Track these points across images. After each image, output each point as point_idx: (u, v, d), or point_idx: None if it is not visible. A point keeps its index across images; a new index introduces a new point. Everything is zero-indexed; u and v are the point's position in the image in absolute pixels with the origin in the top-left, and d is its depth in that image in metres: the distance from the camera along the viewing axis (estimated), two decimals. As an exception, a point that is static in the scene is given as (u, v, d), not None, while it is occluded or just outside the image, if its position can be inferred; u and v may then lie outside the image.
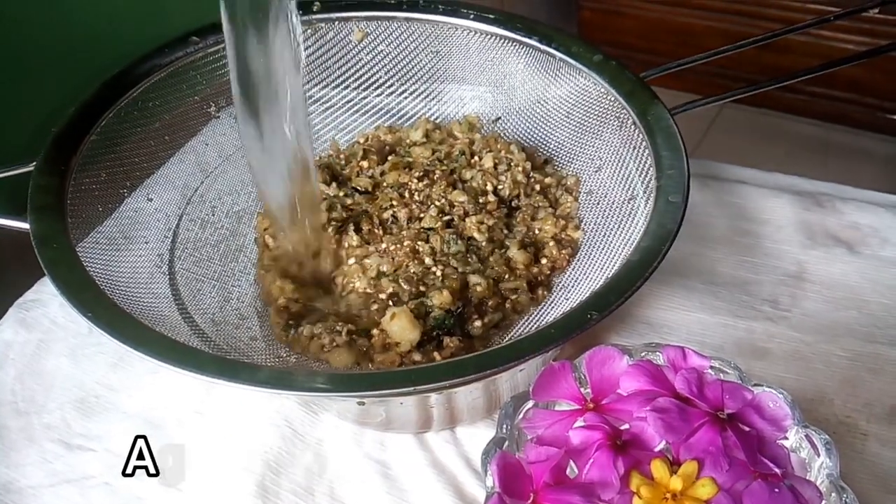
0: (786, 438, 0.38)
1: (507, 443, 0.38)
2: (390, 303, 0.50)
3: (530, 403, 0.40)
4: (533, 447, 0.37)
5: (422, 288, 0.50)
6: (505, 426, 0.39)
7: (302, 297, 0.52)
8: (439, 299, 0.48)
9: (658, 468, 0.35)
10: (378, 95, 0.65)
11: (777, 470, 0.35)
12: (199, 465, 0.51)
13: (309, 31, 0.62)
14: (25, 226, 0.47)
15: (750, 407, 0.37)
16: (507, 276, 0.50)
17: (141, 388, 0.56)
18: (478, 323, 0.50)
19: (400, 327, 0.47)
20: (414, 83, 0.65)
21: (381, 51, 0.64)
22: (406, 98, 0.65)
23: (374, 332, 0.48)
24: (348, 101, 0.65)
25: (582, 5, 1.70)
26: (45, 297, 0.63)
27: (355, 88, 0.65)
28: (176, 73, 0.58)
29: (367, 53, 0.64)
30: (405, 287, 0.50)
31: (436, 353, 0.47)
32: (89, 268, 0.45)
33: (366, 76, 0.65)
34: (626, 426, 0.37)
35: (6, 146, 0.63)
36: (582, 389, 0.39)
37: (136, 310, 0.44)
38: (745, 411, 0.37)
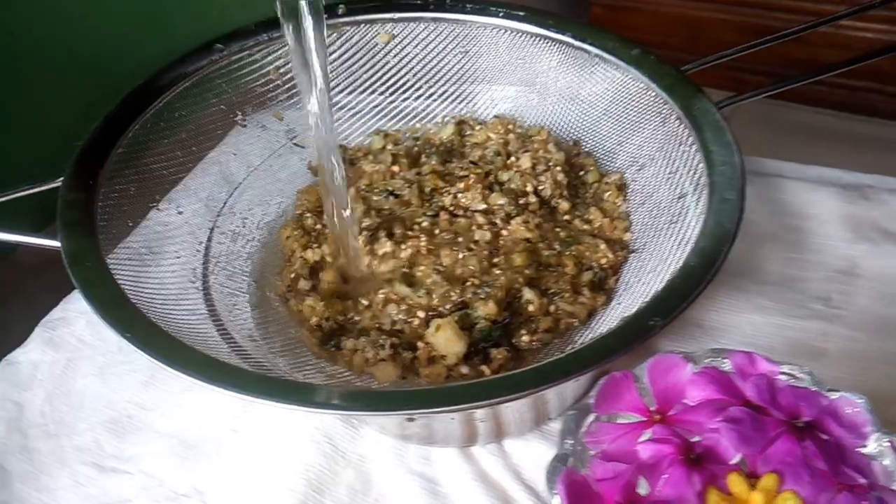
0: (864, 446, 0.36)
1: (570, 459, 0.36)
2: (429, 314, 0.48)
3: (592, 416, 0.38)
4: (599, 463, 0.35)
5: (466, 297, 0.48)
6: (567, 441, 0.37)
7: (333, 313, 0.51)
8: (484, 310, 0.47)
9: (736, 483, 0.33)
10: (406, 99, 0.64)
11: (862, 480, 0.33)
12: (239, 486, 0.50)
13: (334, 35, 0.61)
14: (54, 243, 0.45)
15: (826, 414, 0.35)
16: (566, 295, 0.48)
17: (174, 406, 0.55)
18: (525, 338, 0.48)
19: (445, 339, 0.45)
20: (443, 85, 0.63)
21: (409, 53, 0.62)
22: (435, 101, 0.63)
23: (420, 344, 0.46)
24: (376, 106, 0.63)
25: (593, 2, 1.69)
26: (70, 316, 0.62)
27: (382, 93, 0.64)
28: (201, 81, 0.57)
29: (394, 56, 0.62)
30: (449, 297, 0.48)
31: (483, 367, 0.45)
32: (123, 285, 0.43)
33: (393, 80, 0.63)
34: (696, 438, 0.35)
35: (26, 162, 0.62)
36: (644, 400, 0.38)
37: (172, 328, 0.42)
38: (822, 418, 0.35)
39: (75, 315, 0.61)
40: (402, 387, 0.45)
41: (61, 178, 0.48)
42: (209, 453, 0.52)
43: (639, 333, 0.37)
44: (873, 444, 0.36)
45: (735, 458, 0.34)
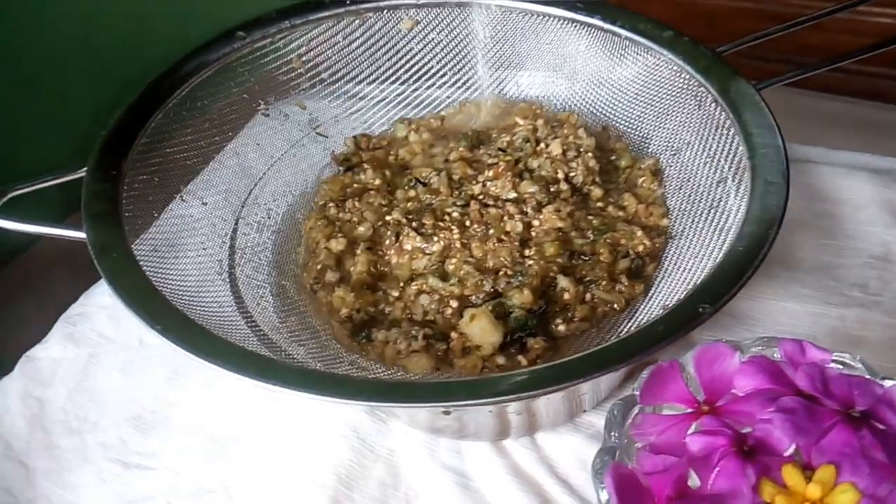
0: (923, 436, 0.34)
1: (617, 452, 0.35)
2: (462, 304, 0.47)
3: (637, 408, 0.37)
4: (647, 456, 0.34)
5: (499, 287, 0.47)
6: (613, 434, 0.35)
7: (364, 304, 0.49)
8: (520, 299, 0.45)
9: (791, 475, 0.32)
10: (430, 87, 0.62)
11: (923, 472, 0.32)
12: (266, 481, 0.49)
13: (357, 21, 0.60)
14: (79, 234, 0.44)
15: (882, 403, 0.34)
16: (602, 284, 0.47)
17: (198, 401, 0.54)
18: (562, 328, 0.47)
19: (480, 329, 0.44)
20: (469, 72, 0.62)
21: (433, 39, 0.61)
22: (461, 89, 0.62)
23: (453, 335, 0.45)
24: (399, 94, 0.62)
25: (607, -9, 1.67)
26: (91, 311, 0.61)
27: (405, 82, 0.62)
28: (223, 70, 0.56)
29: (418, 43, 0.61)
30: (481, 287, 0.47)
31: (520, 357, 0.44)
32: (151, 277, 0.42)
33: (417, 67, 0.62)
34: (747, 430, 0.34)
35: (49, 152, 0.61)
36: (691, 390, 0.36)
37: (201, 320, 0.41)
38: (878, 408, 0.34)
39: (96, 310, 0.61)
40: (453, 377, 0.44)
41: (84, 169, 0.47)
42: (235, 449, 0.51)
43: (687, 321, 0.36)
44: (931, 435, 0.35)
45: (789, 450, 0.33)
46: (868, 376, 0.36)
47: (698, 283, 0.38)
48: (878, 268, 0.56)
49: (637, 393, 0.36)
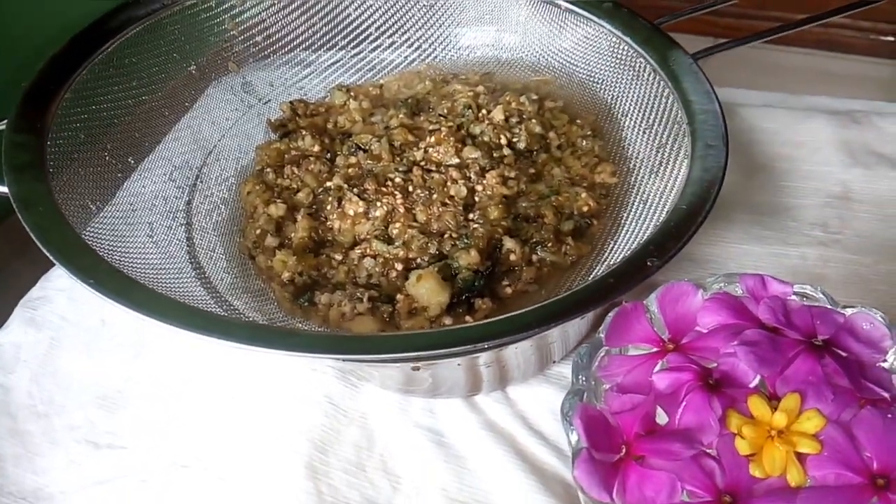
0: (885, 361, 0.35)
1: (585, 394, 0.35)
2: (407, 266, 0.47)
3: (603, 350, 0.37)
4: (615, 396, 0.34)
5: (445, 249, 0.47)
6: (581, 377, 0.36)
7: (306, 267, 0.49)
8: (467, 259, 0.45)
9: (757, 405, 0.32)
10: (367, 52, 0.62)
11: (885, 394, 0.32)
12: (241, 452, 0.48)
13: None
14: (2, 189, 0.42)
15: (843, 331, 0.35)
16: (549, 245, 0.47)
17: (165, 377, 0.53)
18: (509, 290, 0.47)
19: (428, 290, 0.44)
20: (406, 39, 0.61)
21: (370, 6, 0.60)
22: (398, 55, 0.61)
23: (399, 297, 0.45)
24: (337, 63, 0.62)
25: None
26: (50, 294, 0.59)
27: (343, 48, 0.62)
28: (153, 27, 0.54)
29: (356, 9, 0.60)
30: (426, 249, 0.46)
31: (468, 317, 0.44)
32: (89, 239, 0.41)
33: (356, 33, 0.61)
34: (713, 364, 0.34)
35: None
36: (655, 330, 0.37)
37: (143, 278, 0.40)
38: (840, 336, 0.34)
39: (55, 293, 0.59)
40: (421, 330, 0.43)
41: (5, 120, 0.45)
42: (207, 422, 0.50)
43: (636, 273, 0.37)
44: (893, 358, 0.35)
45: (753, 382, 0.33)
46: (829, 306, 0.36)
47: (647, 238, 0.39)
48: (836, 206, 0.57)
49: (603, 336, 0.36)
